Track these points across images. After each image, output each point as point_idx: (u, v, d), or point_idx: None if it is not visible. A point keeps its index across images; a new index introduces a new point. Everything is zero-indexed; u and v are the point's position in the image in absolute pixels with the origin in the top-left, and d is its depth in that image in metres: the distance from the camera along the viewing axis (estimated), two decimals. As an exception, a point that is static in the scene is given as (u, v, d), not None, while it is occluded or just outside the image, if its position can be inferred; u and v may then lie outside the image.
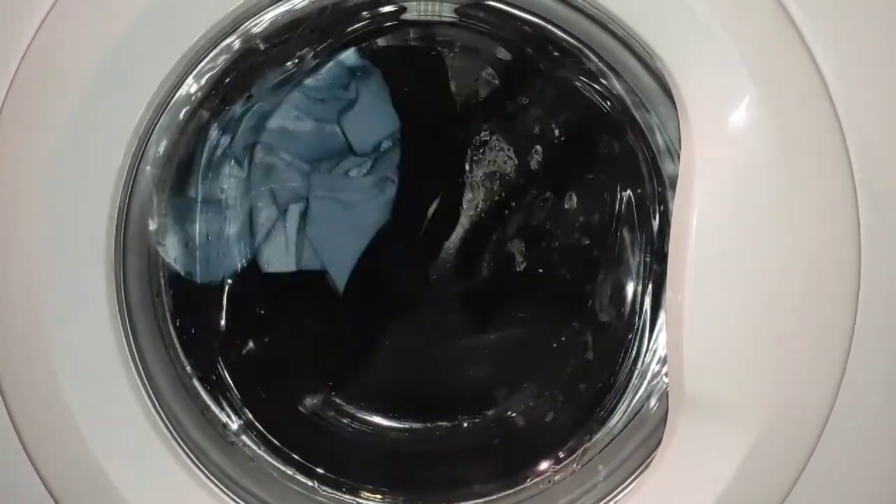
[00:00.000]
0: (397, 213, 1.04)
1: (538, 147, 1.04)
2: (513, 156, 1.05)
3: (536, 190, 1.05)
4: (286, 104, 1.01)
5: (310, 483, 0.88)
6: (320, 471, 0.90)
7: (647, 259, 0.91)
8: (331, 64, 1.01)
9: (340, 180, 1.05)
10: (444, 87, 1.05)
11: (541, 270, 1.06)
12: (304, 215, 1.04)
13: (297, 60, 0.92)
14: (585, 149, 1.02)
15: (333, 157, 1.06)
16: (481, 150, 1.05)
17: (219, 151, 0.97)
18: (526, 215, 1.06)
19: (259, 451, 0.88)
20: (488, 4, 0.87)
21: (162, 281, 0.87)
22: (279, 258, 1.04)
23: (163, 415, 0.76)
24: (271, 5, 0.77)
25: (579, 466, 0.87)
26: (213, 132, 0.95)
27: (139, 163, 0.75)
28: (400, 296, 1.09)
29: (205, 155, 0.95)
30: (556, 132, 1.04)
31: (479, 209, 1.06)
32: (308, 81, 1.01)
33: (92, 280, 0.71)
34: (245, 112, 0.97)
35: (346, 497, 0.88)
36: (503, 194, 1.06)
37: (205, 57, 0.76)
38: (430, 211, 1.06)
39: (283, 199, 1.03)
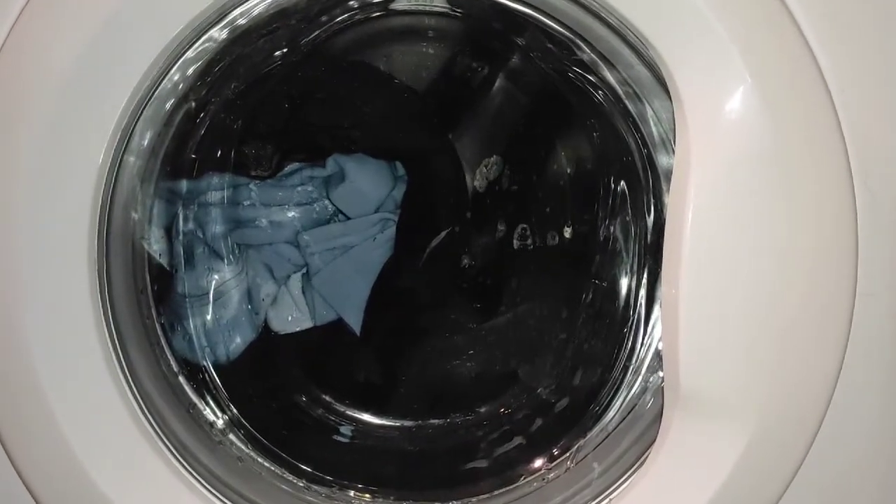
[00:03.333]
0: (400, 247, 1.04)
1: (529, 150, 1.04)
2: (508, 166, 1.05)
3: (529, 190, 1.05)
4: (261, 197, 1.02)
5: (298, 482, 0.87)
6: (309, 469, 0.89)
7: (642, 253, 0.90)
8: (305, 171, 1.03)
9: (334, 228, 1.04)
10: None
11: (534, 267, 1.05)
12: (305, 276, 1.05)
13: (285, 50, 0.91)
14: (579, 143, 1.01)
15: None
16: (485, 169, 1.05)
17: (198, 249, 0.97)
18: (519, 213, 1.05)
19: (246, 450, 0.88)
20: (480, -7, 0.86)
21: (147, 277, 0.86)
22: (292, 320, 1.04)
23: (148, 413, 0.75)
24: (257, -6, 0.76)
25: (573, 464, 0.86)
26: (189, 224, 0.95)
27: (122, 155, 0.74)
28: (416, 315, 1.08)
29: (182, 252, 0.94)
30: (547, 127, 1.04)
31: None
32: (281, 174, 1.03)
33: (75, 275, 0.70)
34: (213, 204, 0.98)
35: (336, 496, 0.87)
36: (498, 199, 1.06)
37: (190, 47, 0.75)
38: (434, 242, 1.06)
39: (281, 273, 1.03)
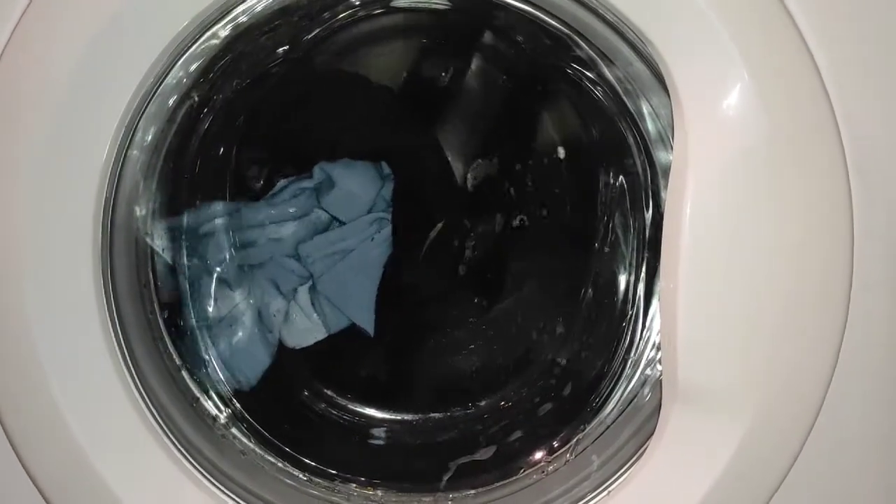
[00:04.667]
0: (399, 244, 1.04)
1: (525, 144, 1.04)
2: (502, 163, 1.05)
3: (527, 184, 1.05)
4: (257, 218, 1.02)
5: (301, 476, 0.87)
6: (312, 463, 0.89)
7: (641, 248, 0.91)
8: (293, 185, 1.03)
9: (331, 235, 1.04)
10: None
11: (533, 260, 1.06)
12: (312, 287, 1.05)
13: (287, 47, 0.91)
14: (577, 139, 1.02)
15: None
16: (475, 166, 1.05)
17: (204, 279, 0.97)
18: (518, 208, 1.05)
19: (249, 444, 0.88)
20: (480, -9, 0.86)
21: (150, 272, 0.86)
22: (306, 332, 1.04)
23: (151, 407, 0.75)
24: (260, -9, 0.76)
25: (573, 456, 0.87)
26: (192, 258, 0.95)
27: (126, 151, 0.74)
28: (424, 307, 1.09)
29: (188, 285, 0.94)
30: (546, 124, 1.04)
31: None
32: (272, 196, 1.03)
33: (79, 271, 0.71)
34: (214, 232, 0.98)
35: (339, 489, 0.88)
36: (492, 192, 1.06)
37: (193, 44, 0.75)
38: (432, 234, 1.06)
39: (288, 287, 1.03)
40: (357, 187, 1.03)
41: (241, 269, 1.01)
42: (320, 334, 1.04)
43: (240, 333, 0.98)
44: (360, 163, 1.04)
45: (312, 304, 1.04)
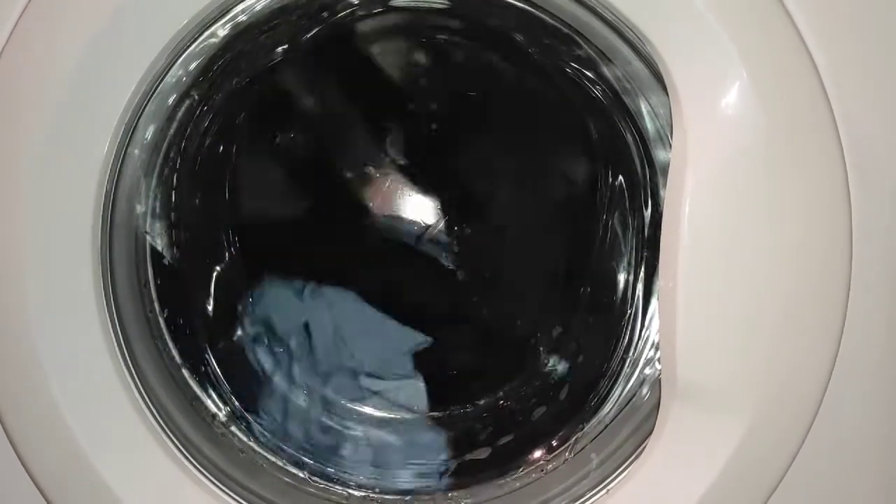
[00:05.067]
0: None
1: (519, 136, 1.04)
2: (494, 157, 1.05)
3: (525, 181, 1.05)
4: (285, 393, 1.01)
5: (301, 474, 0.87)
6: (311, 461, 0.89)
7: (640, 247, 0.91)
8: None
9: (318, 337, 1.04)
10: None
11: (532, 258, 1.06)
12: (370, 375, 1.04)
13: (286, 46, 0.91)
14: (575, 136, 1.02)
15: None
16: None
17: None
18: (516, 204, 1.05)
19: (248, 442, 0.88)
20: (481, -10, 0.86)
21: (149, 271, 0.86)
22: (413, 397, 1.04)
23: (151, 405, 0.76)
24: (259, -9, 0.76)
25: (572, 455, 0.87)
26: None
27: (126, 148, 0.74)
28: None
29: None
30: (541, 118, 1.04)
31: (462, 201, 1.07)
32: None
33: (79, 269, 0.71)
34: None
35: (338, 488, 0.88)
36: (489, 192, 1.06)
37: (192, 43, 0.75)
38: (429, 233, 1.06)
39: (367, 396, 1.03)
40: (275, 296, 1.03)
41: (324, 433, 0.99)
42: (420, 383, 1.04)
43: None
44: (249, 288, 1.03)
45: (386, 378, 1.04)
